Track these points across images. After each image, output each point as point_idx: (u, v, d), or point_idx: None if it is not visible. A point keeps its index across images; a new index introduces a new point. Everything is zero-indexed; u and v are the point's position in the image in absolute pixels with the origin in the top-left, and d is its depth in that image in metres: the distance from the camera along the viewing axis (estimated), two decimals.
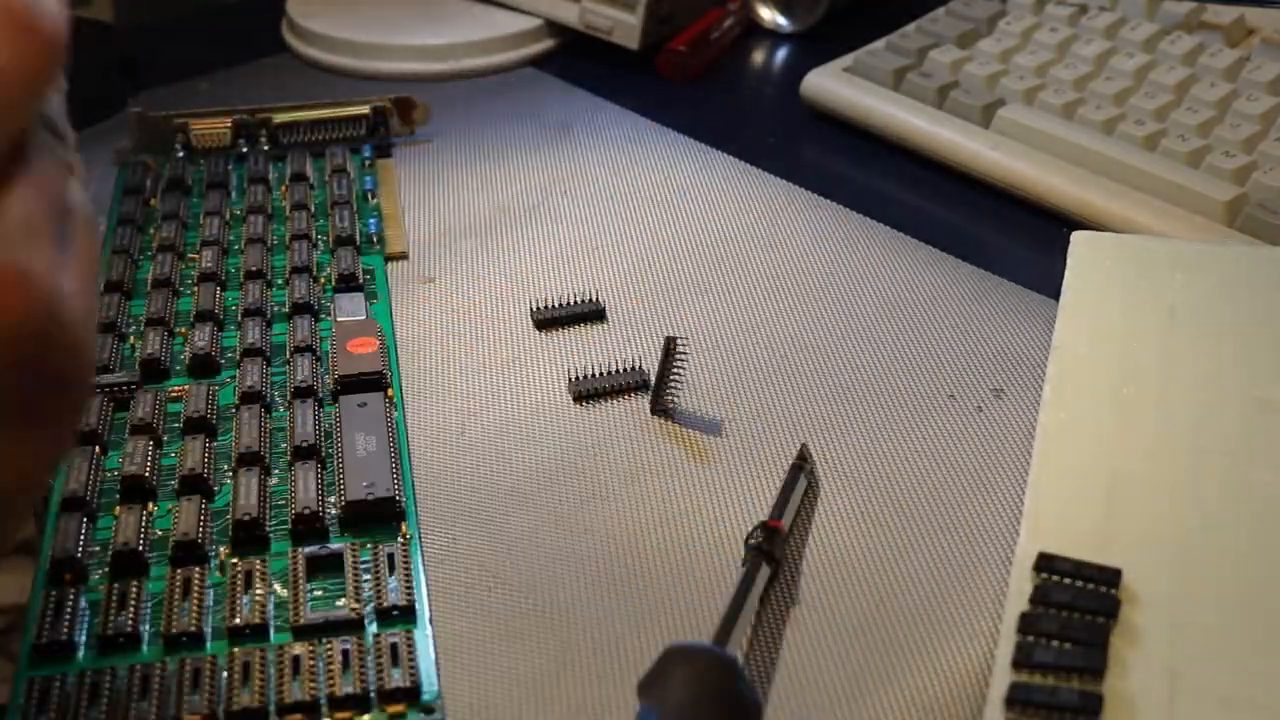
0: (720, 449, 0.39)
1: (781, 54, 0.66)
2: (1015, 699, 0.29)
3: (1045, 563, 0.32)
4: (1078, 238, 0.44)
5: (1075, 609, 0.31)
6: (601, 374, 0.41)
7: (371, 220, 0.49)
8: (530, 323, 0.44)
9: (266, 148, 0.53)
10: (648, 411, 0.40)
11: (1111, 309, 0.41)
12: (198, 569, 0.33)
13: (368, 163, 0.53)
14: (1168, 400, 0.37)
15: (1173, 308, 0.40)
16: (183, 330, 0.43)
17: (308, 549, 0.34)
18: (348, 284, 0.45)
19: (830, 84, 0.58)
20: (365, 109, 0.54)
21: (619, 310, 0.45)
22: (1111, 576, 0.32)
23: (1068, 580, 0.32)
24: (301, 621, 0.32)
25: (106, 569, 0.34)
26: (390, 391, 0.40)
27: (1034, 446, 0.36)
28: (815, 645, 0.32)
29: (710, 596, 0.34)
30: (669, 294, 0.46)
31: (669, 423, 0.40)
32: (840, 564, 0.35)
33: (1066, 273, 0.42)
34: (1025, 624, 0.31)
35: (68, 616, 0.32)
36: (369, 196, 0.51)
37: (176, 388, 0.40)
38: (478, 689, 0.31)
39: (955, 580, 0.34)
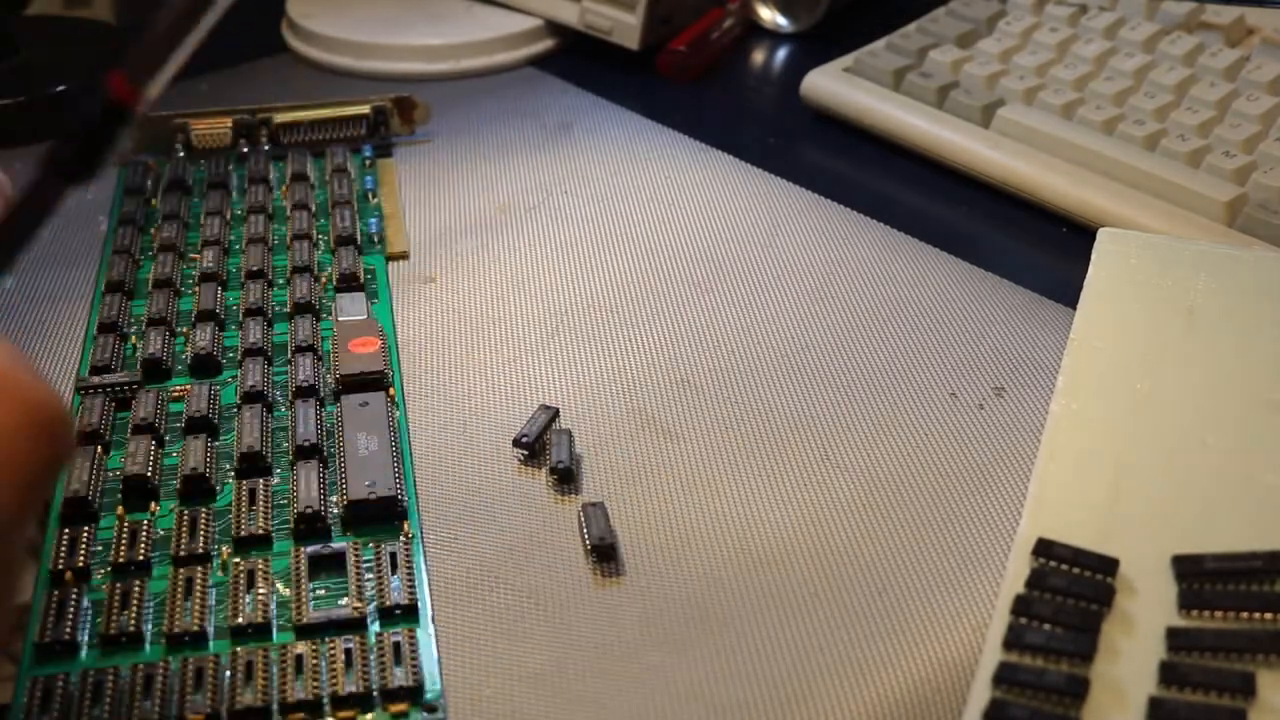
0: (721, 448, 0.39)
1: (781, 54, 0.66)
2: (1003, 678, 0.29)
3: (1044, 547, 0.32)
4: (1103, 234, 0.44)
5: (1070, 594, 0.31)
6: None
7: (372, 220, 0.49)
8: (532, 321, 0.44)
9: (267, 148, 0.53)
10: (647, 413, 0.40)
11: (1131, 305, 0.41)
12: (200, 568, 0.33)
13: (368, 162, 0.53)
14: (1181, 398, 0.37)
15: (1193, 308, 0.40)
16: (184, 330, 0.43)
17: (310, 548, 0.34)
18: (349, 284, 0.45)
19: (830, 84, 0.58)
20: (365, 109, 0.54)
21: (620, 310, 0.45)
22: (1109, 565, 0.32)
23: (1065, 566, 0.32)
24: (304, 621, 0.32)
25: (109, 568, 0.34)
26: (391, 391, 0.40)
27: (1043, 434, 0.37)
28: (818, 632, 0.33)
29: (709, 595, 0.34)
30: (669, 294, 0.46)
31: (669, 423, 0.40)
32: (842, 555, 0.35)
33: (1090, 267, 0.43)
34: (1019, 606, 0.31)
35: (70, 616, 0.32)
36: (370, 196, 0.51)
37: (178, 388, 0.40)
38: (480, 687, 0.31)
39: (955, 572, 0.34)
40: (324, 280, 0.45)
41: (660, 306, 0.45)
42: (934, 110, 0.55)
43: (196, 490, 0.36)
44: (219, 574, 0.34)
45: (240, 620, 0.32)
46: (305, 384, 0.39)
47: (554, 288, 0.46)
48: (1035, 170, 0.51)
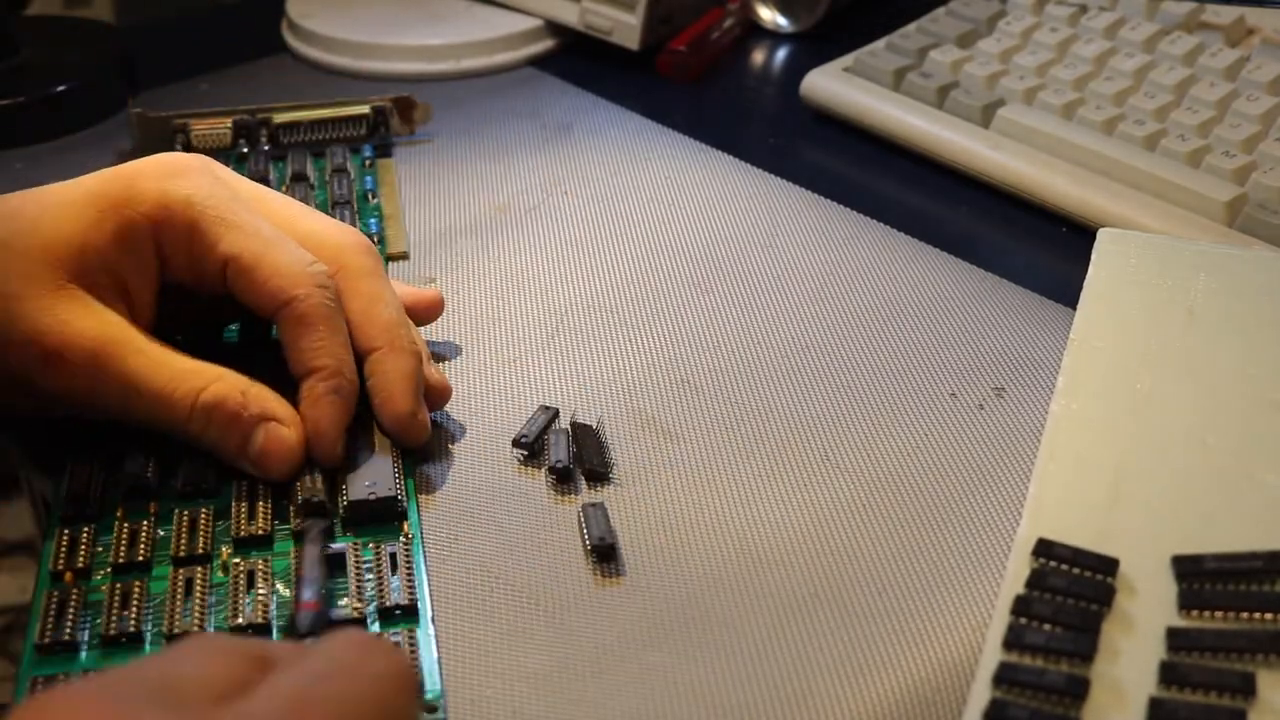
0: (721, 449, 0.39)
1: (781, 54, 0.66)
2: (1003, 678, 0.29)
3: (1044, 548, 0.32)
4: (1104, 234, 0.44)
5: (1070, 595, 0.31)
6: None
7: (372, 220, 0.49)
8: (531, 322, 0.44)
9: (267, 148, 0.53)
10: (647, 413, 0.40)
11: (1132, 305, 0.41)
12: (200, 569, 0.33)
13: (368, 163, 0.53)
14: (1180, 398, 0.37)
15: (1193, 308, 0.40)
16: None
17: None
18: None
19: (830, 84, 0.58)
20: (365, 109, 0.54)
21: (620, 310, 0.45)
22: (1109, 565, 0.32)
23: (1065, 566, 0.32)
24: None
25: (109, 569, 0.33)
26: None
27: (1043, 434, 0.37)
28: (818, 632, 0.33)
29: (709, 595, 0.34)
30: (668, 294, 0.46)
31: (669, 423, 0.40)
32: (843, 555, 0.35)
33: (1090, 267, 0.43)
34: (1019, 606, 0.31)
35: (70, 616, 0.32)
36: (369, 196, 0.51)
37: None
38: (480, 687, 0.31)
39: (955, 572, 0.34)
40: None
41: (660, 307, 0.45)
42: (934, 110, 0.55)
43: (197, 490, 0.36)
44: (219, 574, 0.34)
45: (240, 620, 0.32)
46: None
47: (554, 288, 0.46)
48: (1035, 170, 0.51)
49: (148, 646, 0.32)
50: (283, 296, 0.35)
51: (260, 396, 0.35)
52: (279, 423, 0.35)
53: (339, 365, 0.35)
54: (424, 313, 0.42)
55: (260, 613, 0.32)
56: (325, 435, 0.35)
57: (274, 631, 0.32)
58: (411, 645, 0.31)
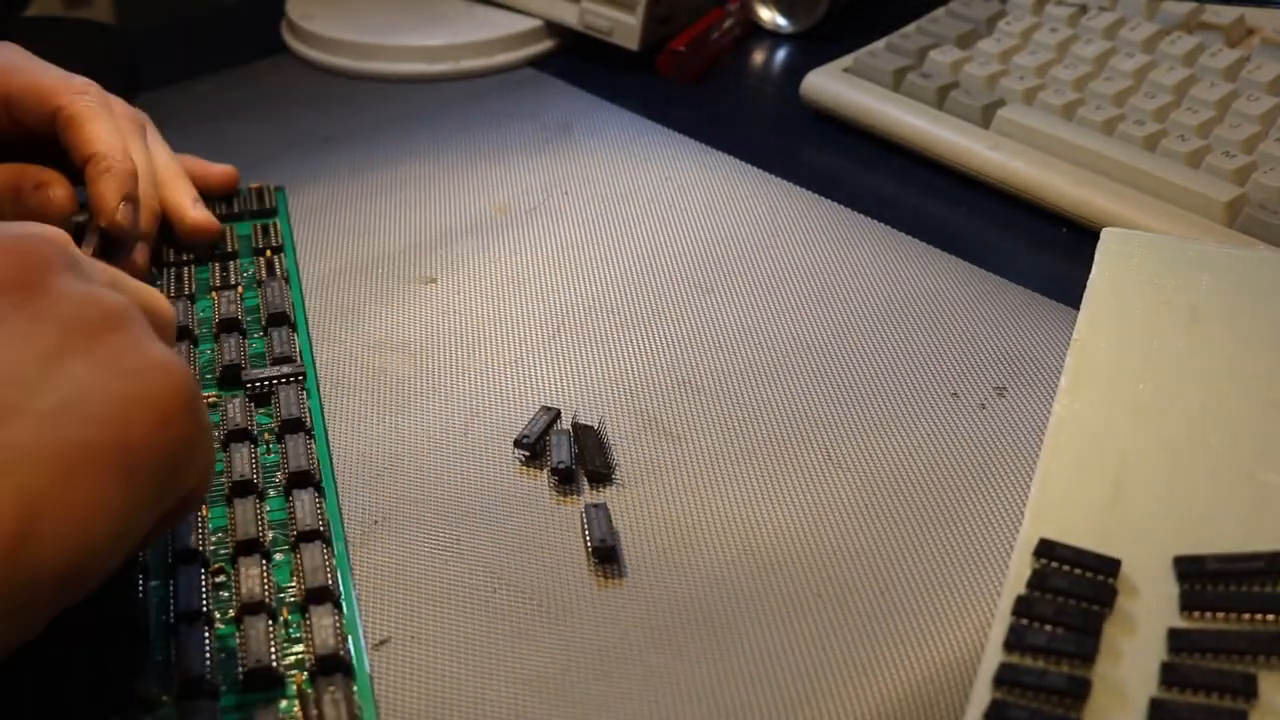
0: (723, 449, 0.39)
1: (781, 54, 0.66)
2: (1004, 679, 0.29)
3: (1046, 548, 0.32)
4: (1108, 234, 0.44)
5: (1072, 595, 0.31)
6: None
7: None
8: (532, 322, 0.44)
9: None
10: (649, 414, 0.40)
11: (1135, 305, 0.41)
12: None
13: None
14: (1183, 398, 0.37)
15: (1195, 308, 0.40)
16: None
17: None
18: None
19: (830, 84, 0.58)
20: None
21: (621, 311, 0.45)
22: (1110, 566, 0.32)
23: (1066, 567, 0.32)
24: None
25: None
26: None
27: (1046, 434, 0.37)
28: (820, 633, 0.33)
29: (711, 596, 0.34)
30: (669, 294, 0.46)
31: (671, 423, 0.40)
32: (845, 555, 0.35)
33: (1094, 267, 0.43)
34: (1020, 607, 0.31)
35: None
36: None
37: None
38: (482, 689, 0.31)
39: (956, 571, 0.34)
40: None
41: (661, 307, 0.45)
42: (934, 110, 0.55)
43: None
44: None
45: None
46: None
47: (554, 288, 0.46)
48: (1035, 170, 0.51)
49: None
50: (49, 107, 0.42)
51: (35, 171, 0.42)
52: (49, 185, 0.42)
53: (108, 149, 0.41)
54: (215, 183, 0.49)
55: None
56: (105, 203, 0.41)
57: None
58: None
